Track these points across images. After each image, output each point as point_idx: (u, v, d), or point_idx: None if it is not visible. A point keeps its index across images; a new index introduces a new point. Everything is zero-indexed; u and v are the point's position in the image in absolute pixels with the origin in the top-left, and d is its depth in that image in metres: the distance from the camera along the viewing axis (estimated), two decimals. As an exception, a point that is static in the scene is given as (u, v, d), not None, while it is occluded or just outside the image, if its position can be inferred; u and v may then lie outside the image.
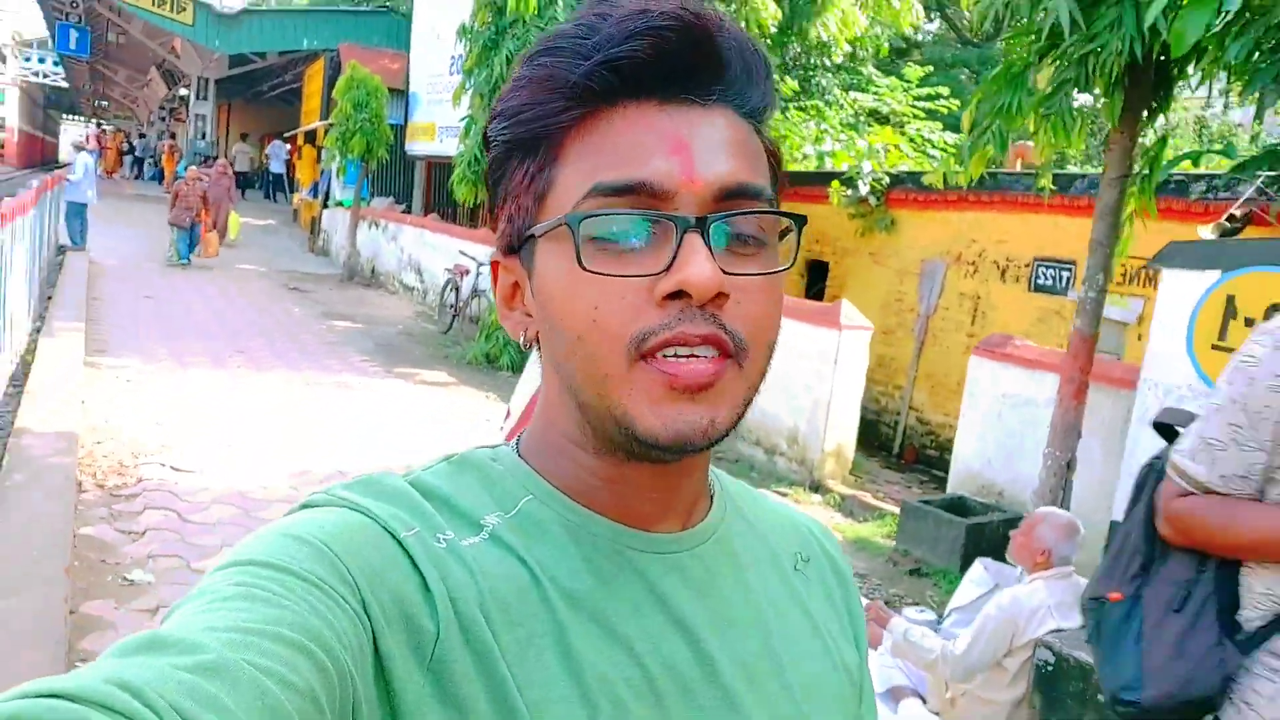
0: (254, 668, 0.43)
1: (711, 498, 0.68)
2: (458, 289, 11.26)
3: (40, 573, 3.32)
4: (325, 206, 18.69)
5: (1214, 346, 3.57)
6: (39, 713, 0.37)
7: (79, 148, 17.70)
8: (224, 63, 23.41)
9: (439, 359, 9.51)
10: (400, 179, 19.10)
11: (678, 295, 0.54)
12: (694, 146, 0.56)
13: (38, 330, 7.94)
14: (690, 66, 0.56)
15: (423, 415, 7.07)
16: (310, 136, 21.16)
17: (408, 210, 17.05)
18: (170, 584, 3.77)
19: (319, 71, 20.07)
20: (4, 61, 44.62)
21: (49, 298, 9.54)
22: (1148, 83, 3.77)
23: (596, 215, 0.55)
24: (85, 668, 0.42)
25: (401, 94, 17.11)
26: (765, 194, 0.58)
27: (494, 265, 0.64)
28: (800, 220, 0.60)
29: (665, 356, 0.55)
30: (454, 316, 11.18)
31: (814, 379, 6.40)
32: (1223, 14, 2.97)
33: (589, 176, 0.56)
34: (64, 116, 56.16)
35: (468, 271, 11.17)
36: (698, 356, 0.55)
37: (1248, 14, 3.02)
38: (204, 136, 24.42)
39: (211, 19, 19.97)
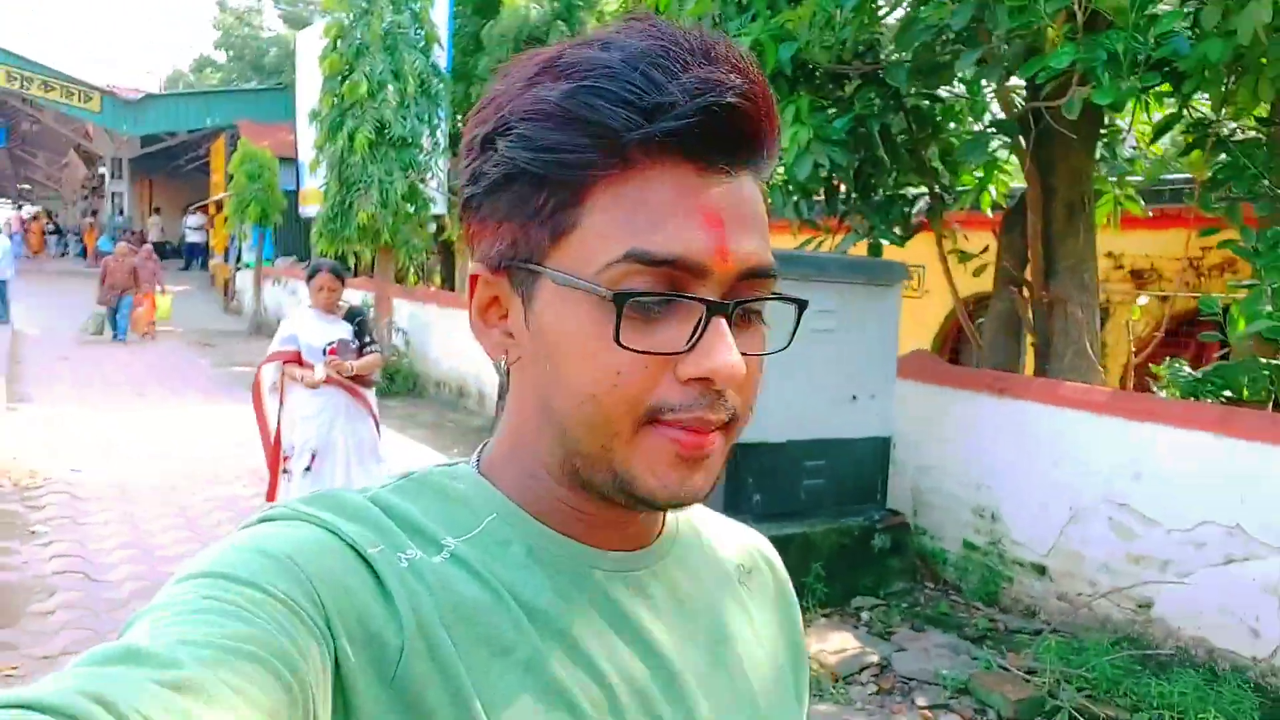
0: (227, 686, 0.43)
1: (663, 515, 0.68)
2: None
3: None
4: (237, 269, 20.39)
5: None
6: None
7: None
8: (136, 143, 25.08)
9: (313, 388, 11.26)
10: (299, 239, 20.86)
11: (701, 377, 0.54)
12: (727, 222, 0.55)
13: (-36, 387, 9.60)
14: (739, 140, 0.56)
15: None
16: (220, 206, 22.86)
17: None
18: (64, 533, 5.50)
19: (221, 147, 21.83)
20: (-75, 150, 45.49)
21: (-26, 363, 11.17)
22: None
23: (642, 294, 0.54)
24: (58, 676, 0.41)
25: (294, 162, 18.96)
26: (775, 270, 0.58)
27: (472, 278, 0.63)
28: (802, 304, 0.61)
29: (672, 425, 0.56)
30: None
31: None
32: None
33: (623, 238, 0.54)
34: (-11, 200, 56.83)
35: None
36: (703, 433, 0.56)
37: None
38: (122, 212, 25.99)
39: (118, 105, 21.65)
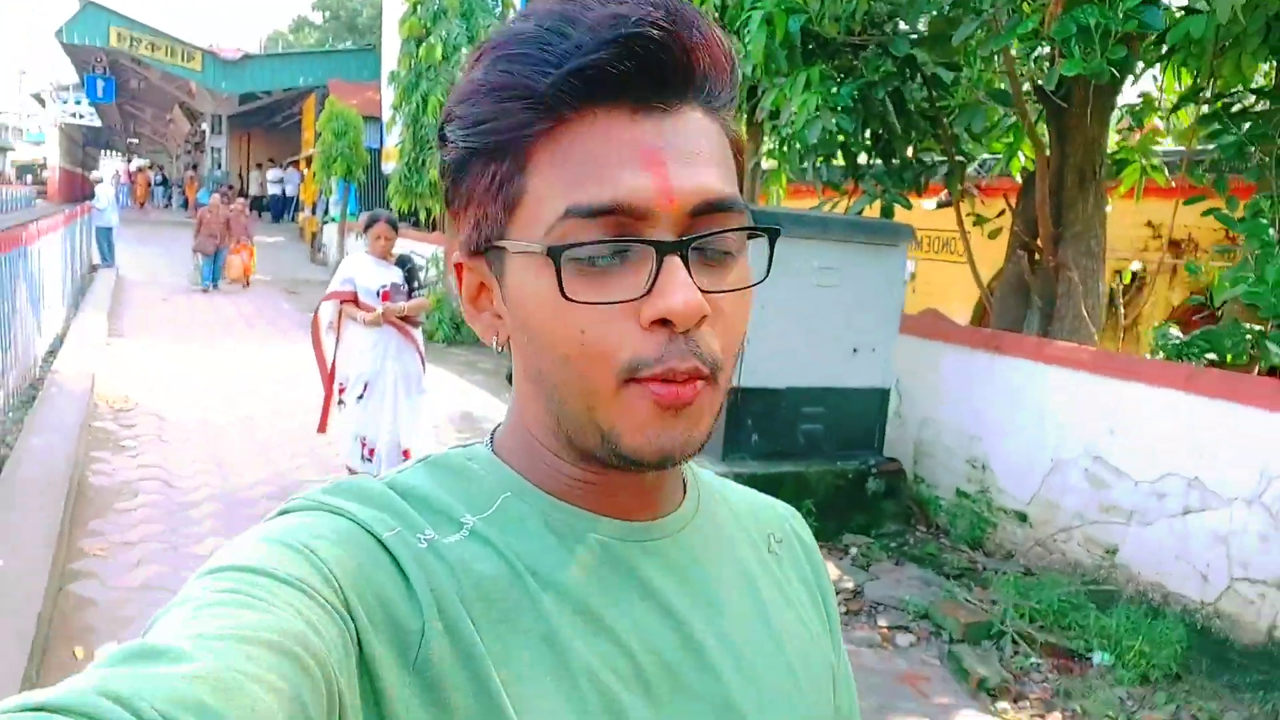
0: (243, 675, 0.42)
1: (685, 486, 0.68)
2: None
3: (65, 437, 5.75)
4: (324, 223, 21.35)
5: None
6: None
7: (98, 181, 19.59)
8: (234, 100, 26.27)
9: (385, 336, 11.96)
10: (382, 195, 21.70)
11: (660, 320, 0.54)
12: (668, 159, 0.54)
13: (70, 320, 10.52)
14: (664, 72, 0.54)
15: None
16: (309, 161, 23.87)
17: (388, 222, 19.60)
18: (149, 450, 6.20)
19: (312, 105, 22.74)
20: (44, 105, 48.04)
21: (81, 299, 12.17)
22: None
23: (577, 247, 0.54)
24: (73, 678, 0.41)
25: (379, 121, 19.70)
26: (738, 204, 0.57)
27: (458, 266, 0.63)
28: (774, 232, 0.60)
29: (649, 379, 0.55)
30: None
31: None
32: None
33: (562, 195, 0.54)
34: (101, 153, 59.73)
35: (421, 267, 13.64)
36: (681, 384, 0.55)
37: None
38: (220, 166, 27.28)
39: (217, 65, 22.73)
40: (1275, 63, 4.12)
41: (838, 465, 5.17)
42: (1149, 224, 7.40)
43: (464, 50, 11.19)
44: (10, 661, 3.02)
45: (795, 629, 0.69)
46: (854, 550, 4.95)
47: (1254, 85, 4.54)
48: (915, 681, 3.71)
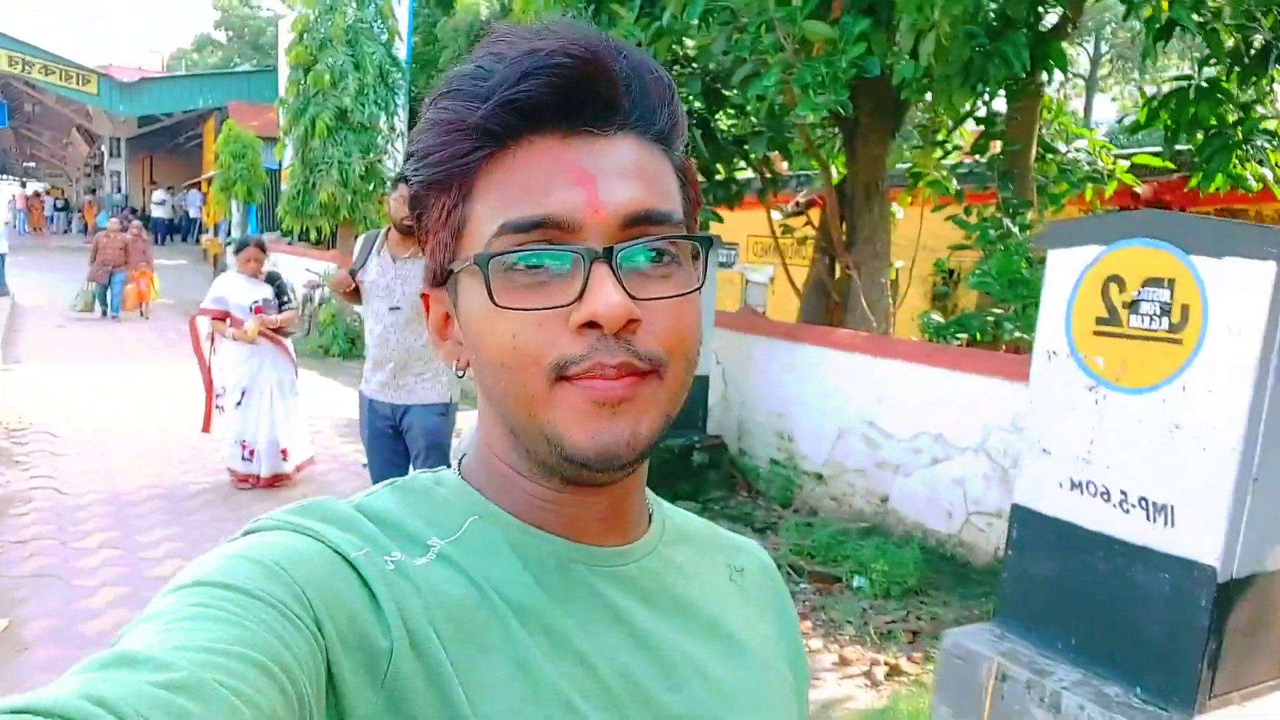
0: (224, 687, 0.43)
1: (650, 516, 0.70)
2: (311, 298, 14.18)
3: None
4: (226, 244, 21.54)
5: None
6: None
7: None
8: (133, 123, 26.17)
9: (283, 351, 12.42)
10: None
11: (592, 325, 0.55)
12: (597, 176, 0.57)
13: (-34, 348, 10.76)
14: (586, 98, 0.57)
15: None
16: (210, 183, 23.98)
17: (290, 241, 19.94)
18: (41, 463, 6.63)
19: (212, 127, 22.89)
20: (-67, 130, 46.73)
21: (-24, 329, 12.34)
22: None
23: (502, 254, 0.56)
24: (56, 684, 0.41)
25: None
26: (673, 217, 0.59)
27: (424, 297, 0.66)
28: (705, 241, 0.63)
29: (579, 377, 0.56)
30: (310, 319, 14.12)
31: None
32: None
33: (498, 214, 0.57)
34: (-3, 178, 58.09)
35: (317, 285, 14.10)
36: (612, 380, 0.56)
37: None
38: (120, 189, 27.10)
39: (114, 88, 22.69)
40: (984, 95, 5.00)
41: (665, 443, 5.91)
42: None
43: (350, 77, 11.75)
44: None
45: (760, 656, 0.70)
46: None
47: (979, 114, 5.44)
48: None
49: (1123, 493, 2.74)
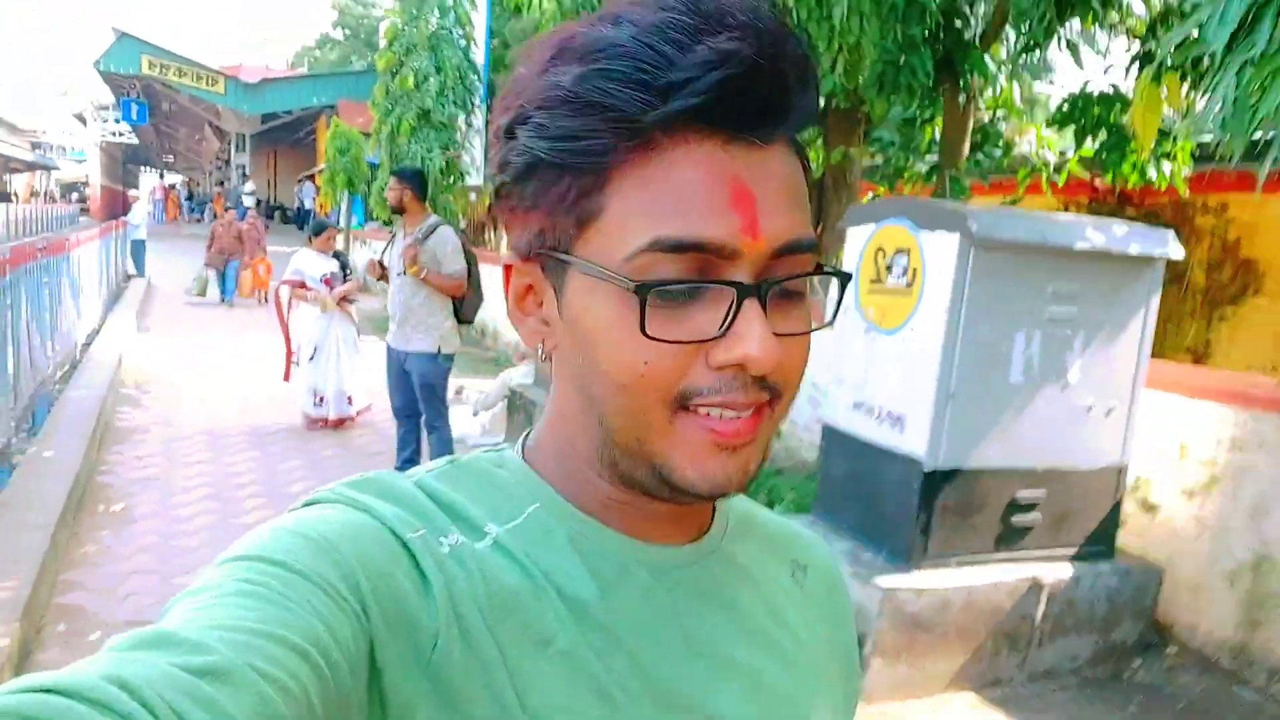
0: (255, 672, 0.42)
1: (714, 510, 0.68)
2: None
3: (95, 396, 7.72)
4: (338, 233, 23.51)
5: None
6: (33, 709, 0.37)
7: (135, 199, 21.33)
8: (257, 120, 28.58)
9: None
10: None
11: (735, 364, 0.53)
12: (758, 198, 0.53)
13: (105, 317, 12.63)
14: (763, 107, 0.53)
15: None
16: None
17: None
18: (158, 405, 8.17)
19: (324, 124, 24.91)
20: (85, 125, 51.02)
21: (115, 302, 14.31)
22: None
23: (664, 284, 0.53)
24: (85, 662, 0.41)
25: (380, 138, 21.79)
26: (814, 246, 0.57)
27: (506, 268, 0.62)
28: (846, 277, 0.60)
29: (708, 411, 0.55)
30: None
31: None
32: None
33: (647, 224, 0.53)
34: (141, 169, 62.70)
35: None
36: (740, 415, 0.55)
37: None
38: (245, 180, 29.59)
39: (239, 88, 24.96)
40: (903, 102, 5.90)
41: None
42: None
43: (432, 80, 13.14)
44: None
45: (814, 660, 0.69)
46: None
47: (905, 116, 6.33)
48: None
49: (880, 409, 3.75)
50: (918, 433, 3.53)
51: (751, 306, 0.53)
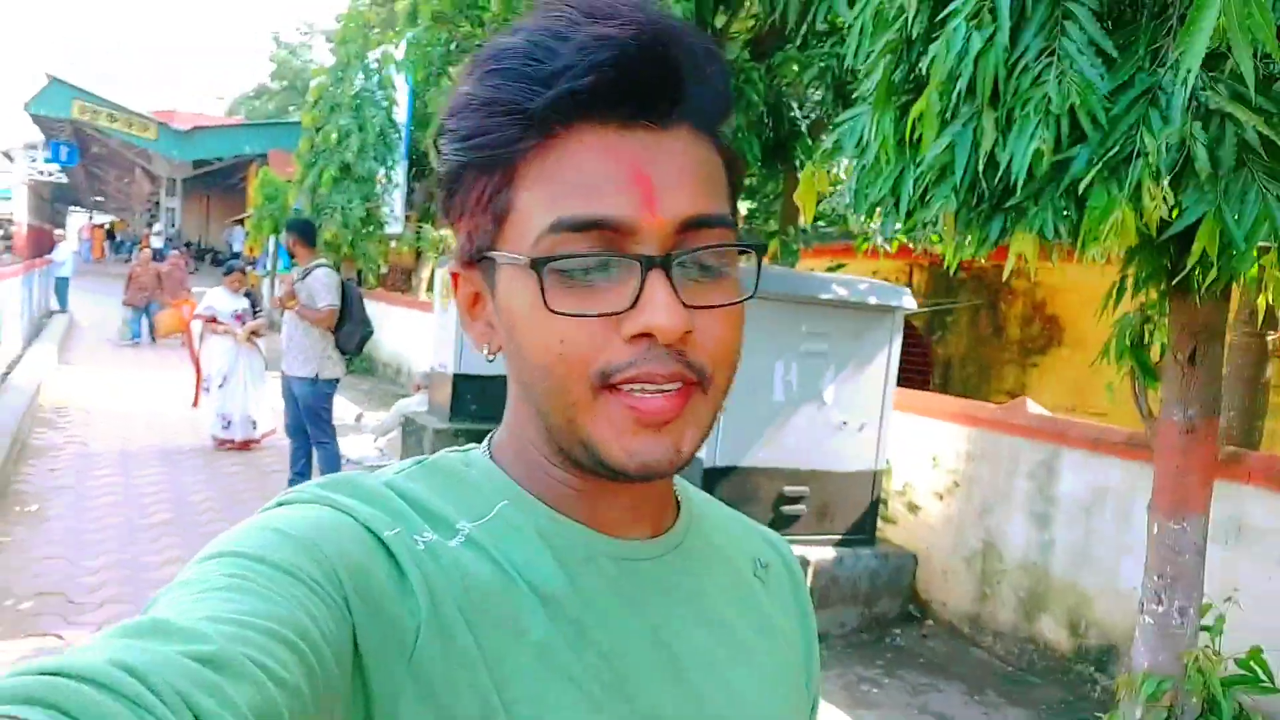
0: (251, 661, 0.43)
1: (678, 506, 0.69)
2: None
3: (14, 417, 8.25)
4: (264, 277, 24.01)
5: None
6: (41, 691, 0.37)
7: (60, 239, 21.25)
8: (188, 166, 29.01)
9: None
10: (314, 251, 24.40)
11: (644, 334, 0.54)
12: (655, 177, 0.55)
13: (26, 348, 13.04)
14: (652, 91, 0.55)
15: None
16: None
17: (316, 275, 22.31)
18: (75, 429, 8.70)
19: (254, 171, 25.51)
20: (12, 161, 50.56)
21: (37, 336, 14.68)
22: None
23: (559, 259, 0.54)
24: (87, 647, 0.42)
25: (310, 187, 22.48)
26: (726, 221, 0.58)
27: (454, 276, 0.64)
28: (760, 248, 0.61)
29: (630, 389, 0.55)
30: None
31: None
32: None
33: (549, 208, 0.55)
34: (69, 209, 61.92)
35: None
36: (663, 391, 0.55)
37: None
38: (173, 224, 29.90)
39: (170, 134, 25.43)
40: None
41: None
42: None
43: (354, 137, 13.95)
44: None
45: (777, 652, 0.70)
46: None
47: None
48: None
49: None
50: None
51: (656, 277, 0.54)
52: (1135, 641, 3.08)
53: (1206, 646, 3.02)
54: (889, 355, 4.69)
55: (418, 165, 15.74)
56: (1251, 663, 3.05)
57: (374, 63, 14.35)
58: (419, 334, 11.79)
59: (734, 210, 0.62)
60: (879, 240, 8.46)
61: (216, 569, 0.49)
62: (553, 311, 0.55)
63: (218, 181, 33.44)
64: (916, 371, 9.46)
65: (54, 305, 18.87)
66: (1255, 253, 2.25)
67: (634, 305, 0.54)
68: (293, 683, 0.44)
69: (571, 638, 0.58)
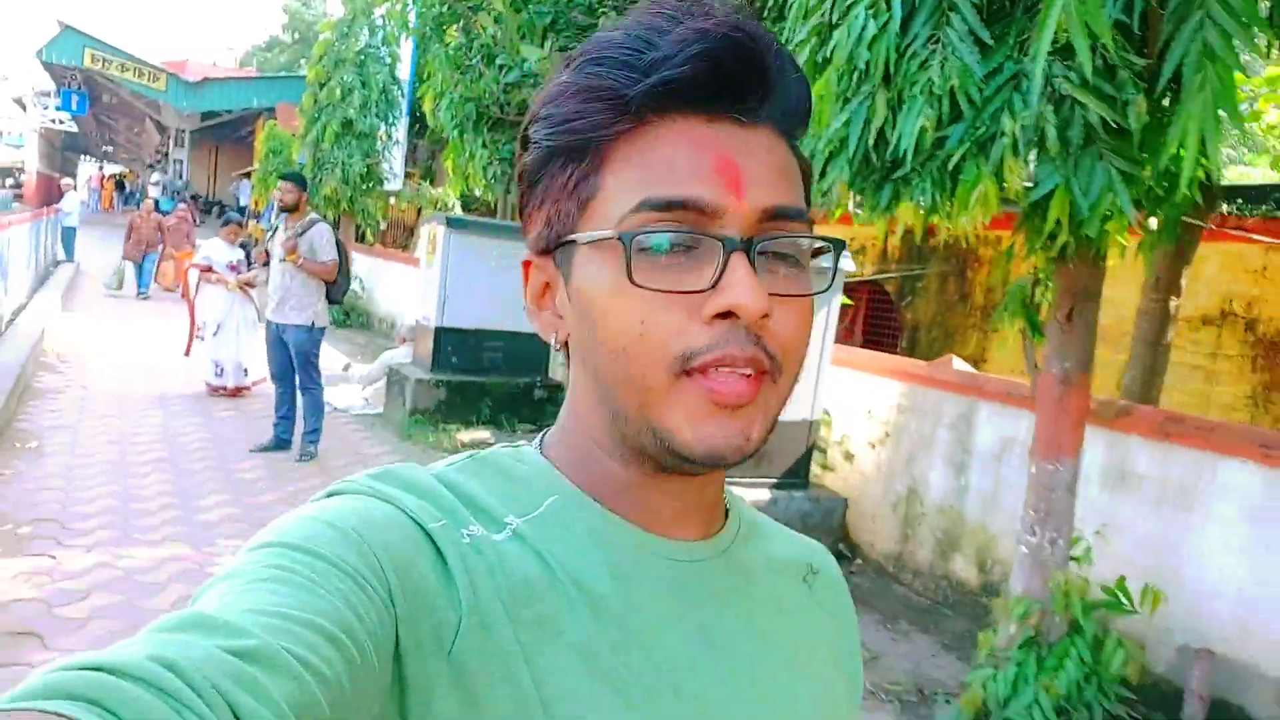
0: (291, 655, 0.44)
1: (727, 513, 0.70)
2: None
3: (17, 361, 8.59)
4: (267, 229, 24.28)
5: None
6: (81, 686, 0.38)
7: (69, 188, 21.36)
8: (196, 117, 29.18)
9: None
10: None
11: (724, 314, 0.55)
12: (741, 165, 0.57)
13: (31, 296, 13.39)
14: (741, 86, 0.58)
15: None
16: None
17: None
18: (75, 373, 9.06)
19: (261, 125, 25.69)
20: (24, 110, 50.64)
21: (43, 284, 15.03)
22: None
23: (650, 231, 0.56)
24: (127, 642, 0.42)
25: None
26: (804, 215, 0.60)
27: (525, 265, 0.65)
28: (839, 244, 0.62)
29: (708, 374, 0.56)
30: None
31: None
32: None
33: (637, 190, 0.57)
34: (80, 157, 62.07)
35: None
36: (739, 374, 0.56)
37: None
38: (181, 176, 30.15)
39: (180, 86, 25.60)
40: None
41: (511, 380, 8.16)
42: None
43: (356, 93, 14.15)
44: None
45: (823, 662, 0.70)
46: (518, 430, 7.92)
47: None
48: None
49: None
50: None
51: (739, 259, 0.55)
52: (1014, 569, 3.40)
53: (1075, 574, 3.33)
54: (828, 314, 4.97)
55: (420, 122, 15.94)
56: (1117, 590, 3.37)
57: (379, 19, 14.51)
58: (415, 290, 12.07)
59: (809, 209, 0.63)
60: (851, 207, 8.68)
61: (262, 560, 0.50)
62: (635, 285, 0.56)
63: (226, 134, 33.60)
64: (887, 335, 9.74)
65: (60, 255, 19.18)
66: (1100, 220, 2.51)
67: (715, 286, 0.55)
68: (333, 676, 0.45)
69: (615, 638, 0.58)
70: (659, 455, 0.59)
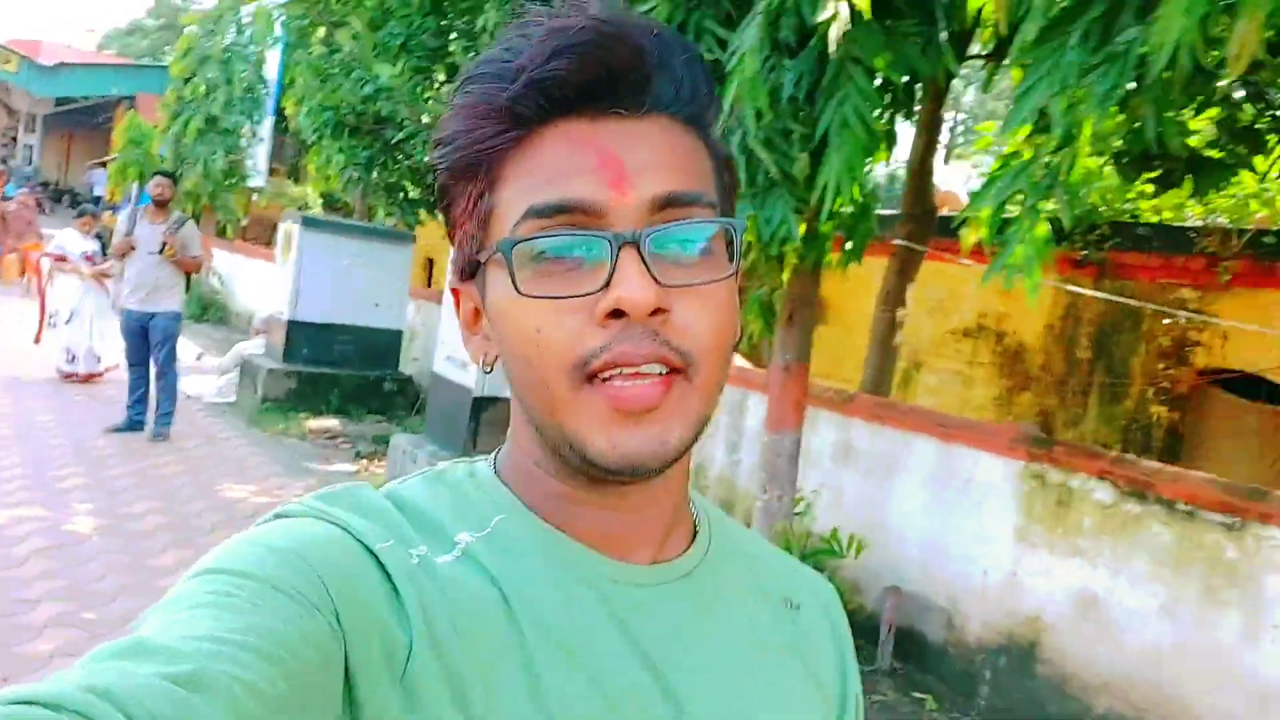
0: (230, 678, 0.43)
1: (696, 531, 0.67)
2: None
3: None
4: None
5: None
6: None
7: None
8: (50, 102, 28.18)
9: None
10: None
11: (618, 314, 0.54)
12: (624, 159, 0.56)
13: None
14: (614, 79, 0.56)
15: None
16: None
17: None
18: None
19: (120, 114, 25.10)
20: None
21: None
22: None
23: (526, 240, 0.55)
24: (64, 672, 0.42)
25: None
26: (703, 199, 0.58)
27: (455, 292, 0.65)
28: (733, 225, 0.60)
29: (611, 379, 0.55)
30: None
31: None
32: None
33: (525, 199, 0.56)
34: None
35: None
36: (643, 375, 0.55)
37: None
38: (30, 163, 29.01)
39: (32, 68, 24.76)
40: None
41: (362, 373, 8.70)
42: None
43: (221, 89, 14.31)
44: None
45: (792, 697, 0.67)
46: (367, 420, 8.47)
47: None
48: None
49: (454, 358, 5.62)
50: (471, 372, 5.43)
51: (627, 254, 0.54)
52: (753, 522, 4.25)
53: (799, 526, 4.20)
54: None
55: (285, 121, 16.15)
56: (831, 540, 4.26)
57: (247, 17, 14.72)
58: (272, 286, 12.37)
59: (728, 209, 0.62)
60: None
61: (201, 586, 0.50)
62: (523, 294, 0.55)
63: (82, 120, 32.41)
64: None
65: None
66: (779, 242, 3.36)
67: (607, 285, 0.54)
68: (276, 697, 0.44)
69: (563, 663, 0.57)
70: (580, 466, 0.58)
